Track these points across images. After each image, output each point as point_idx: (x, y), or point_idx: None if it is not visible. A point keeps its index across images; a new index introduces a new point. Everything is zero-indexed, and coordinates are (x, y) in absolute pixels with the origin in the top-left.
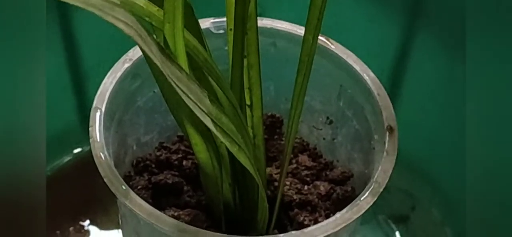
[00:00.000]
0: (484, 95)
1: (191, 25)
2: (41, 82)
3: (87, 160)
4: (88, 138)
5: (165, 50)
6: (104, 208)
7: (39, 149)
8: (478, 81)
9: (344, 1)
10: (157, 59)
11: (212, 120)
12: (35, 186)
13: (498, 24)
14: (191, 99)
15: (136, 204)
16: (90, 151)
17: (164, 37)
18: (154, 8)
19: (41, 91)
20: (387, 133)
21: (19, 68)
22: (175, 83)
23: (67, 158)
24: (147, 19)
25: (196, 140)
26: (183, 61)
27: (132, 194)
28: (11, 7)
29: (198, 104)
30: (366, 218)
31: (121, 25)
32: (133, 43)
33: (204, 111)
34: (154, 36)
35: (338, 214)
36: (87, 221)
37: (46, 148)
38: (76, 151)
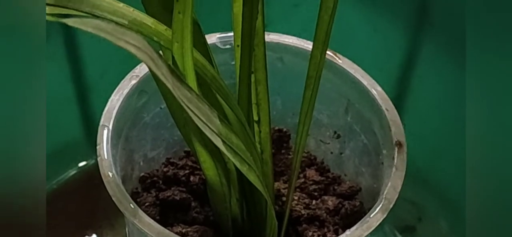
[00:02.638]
0: (484, 105)
1: (199, 42)
2: (42, 99)
3: (92, 173)
4: (93, 151)
5: (175, 71)
6: (109, 222)
7: (39, 166)
8: (478, 91)
9: (349, 12)
10: (168, 81)
11: (222, 140)
12: (35, 202)
13: (499, 34)
14: (201, 119)
15: (145, 223)
16: (95, 164)
17: (173, 56)
18: (162, 28)
19: (41, 107)
20: (396, 148)
21: (19, 85)
22: (185, 104)
23: (72, 172)
24: (155, 38)
25: (204, 157)
26: (191, 80)
27: (141, 213)
28: (12, 24)
29: (208, 124)
30: (373, 231)
31: (132, 50)
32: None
33: (214, 131)
34: (161, 53)
35: (348, 232)
36: (94, 235)
37: (51, 161)
38: (81, 164)
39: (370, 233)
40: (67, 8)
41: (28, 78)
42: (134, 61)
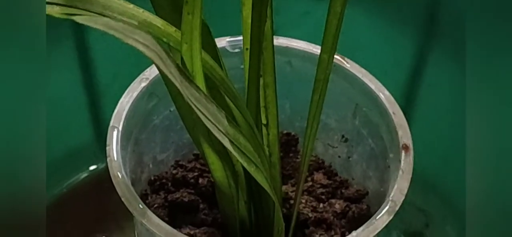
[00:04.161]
0: (485, 110)
1: (208, 44)
2: (42, 110)
3: (103, 177)
4: (104, 155)
5: (184, 71)
6: (119, 225)
7: (39, 178)
8: (479, 98)
9: (359, 20)
10: (177, 80)
11: (229, 140)
12: (34, 213)
13: (500, 43)
14: (209, 119)
15: (153, 223)
16: (105, 168)
17: (182, 58)
18: (171, 29)
19: (41, 118)
20: (403, 152)
21: (19, 94)
22: (193, 104)
23: (83, 175)
24: (164, 39)
25: (213, 159)
26: (200, 81)
27: (150, 213)
28: (11, 32)
29: (216, 124)
30: (380, 234)
31: (141, 48)
32: (148, 60)
33: (222, 132)
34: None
35: (354, 233)
36: None
37: (62, 164)
38: (92, 168)
39: None
40: (77, 8)
41: (28, 84)
42: (144, 65)
